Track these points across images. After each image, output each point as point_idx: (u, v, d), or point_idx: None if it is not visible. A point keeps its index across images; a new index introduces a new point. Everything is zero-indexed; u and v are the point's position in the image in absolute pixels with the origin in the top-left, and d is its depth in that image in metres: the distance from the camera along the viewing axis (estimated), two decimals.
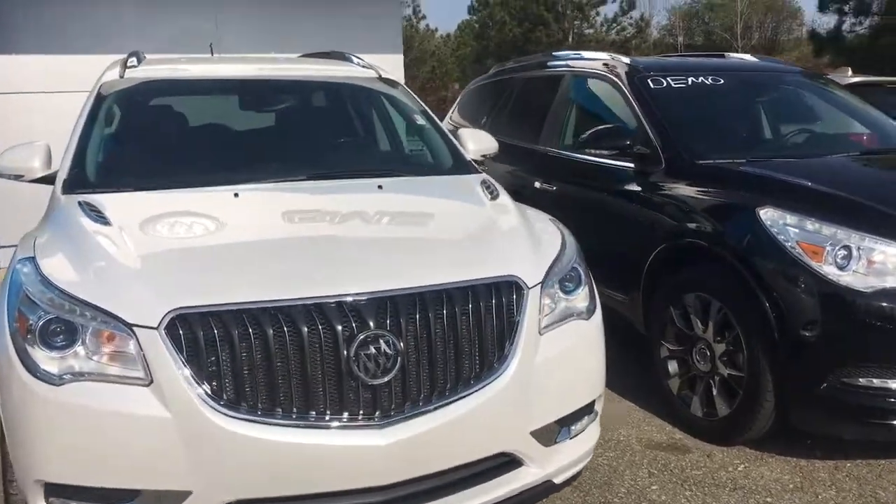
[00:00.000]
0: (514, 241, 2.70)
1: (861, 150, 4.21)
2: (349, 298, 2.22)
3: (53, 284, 2.32)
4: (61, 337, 2.25)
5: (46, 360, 2.22)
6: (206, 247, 2.56)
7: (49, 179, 3.28)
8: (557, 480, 2.58)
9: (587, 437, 2.69)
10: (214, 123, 3.61)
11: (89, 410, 2.15)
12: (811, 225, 3.16)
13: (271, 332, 2.15)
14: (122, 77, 3.60)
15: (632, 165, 4.13)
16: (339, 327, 2.17)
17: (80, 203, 2.79)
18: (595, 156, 4.33)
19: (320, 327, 2.17)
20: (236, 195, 2.87)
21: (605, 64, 4.70)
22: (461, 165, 3.53)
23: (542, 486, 2.52)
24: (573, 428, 2.60)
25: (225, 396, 2.14)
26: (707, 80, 4.44)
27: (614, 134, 4.19)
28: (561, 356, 2.52)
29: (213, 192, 2.94)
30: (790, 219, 3.21)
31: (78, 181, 3.09)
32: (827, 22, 32.08)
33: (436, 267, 2.42)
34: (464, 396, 2.31)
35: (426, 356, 2.26)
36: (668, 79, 4.39)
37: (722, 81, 4.47)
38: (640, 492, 3.13)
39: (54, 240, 2.61)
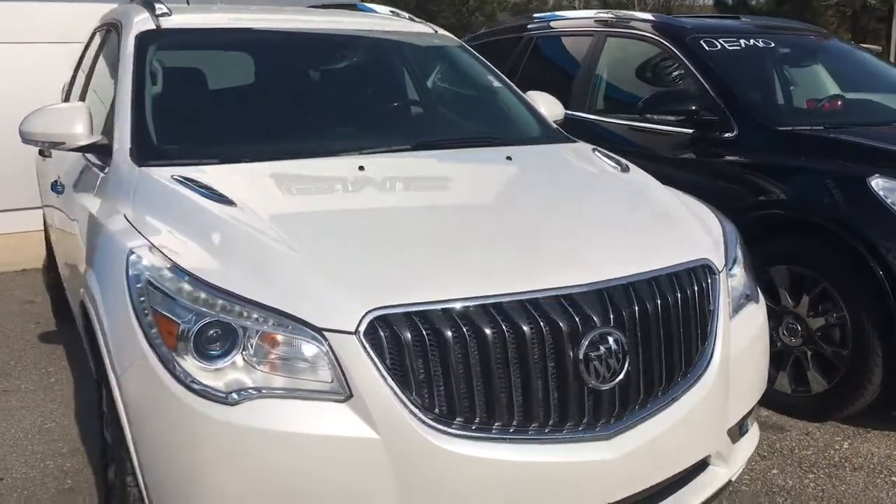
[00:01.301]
0: (688, 220, 2.45)
1: None
2: (569, 291, 1.92)
3: (201, 279, 1.90)
4: (218, 344, 1.85)
5: (203, 372, 1.82)
6: (374, 232, 2.14)
7: (91, 148, 2.77)
8: (734, 479, 2.39)
9: (755, 431, 2.51)
10: (287, 81, 3.13)
11: (275, 434, 1.76)
12: None
13: (490, 332, 1.83)
14: (158, 28, 3.08)
15: (690, 131, 3.94)
16: (563, 325, 1.87)
17: (179, 179, 2.33)
18: (649, 121, 4.11)
19: (542, 325, 1.86)
20: (361, 168, 2.47)
21: (649, 24, 4.46)
22: (551, 132, 3.23)
23: (726, 487, 2.33)
24: (748, 422, 2.42)
25: (437, 410, 1.81)
26: (759, 42, 4.29)
27: (677, 97, 3.99)
28: (748, 345, 2.31)
29: (329, 163, 2.54)
30: None
31: (153, 151, 2.60)
32: None
33: (637, 252, 2.14)
34: (677, 397, 2.06)
35: (644, 354, 2.00)
36: (721, 41, 4.22)
37: (772, 44, 4.34)
38: (763, 477, 3.00)
39: (164, 223, 2.16)
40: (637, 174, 2.78)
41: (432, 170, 2.62)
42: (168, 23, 3.12)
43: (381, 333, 1.79)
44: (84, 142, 2.75)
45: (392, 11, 3.87)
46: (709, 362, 2.14)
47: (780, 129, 3.68)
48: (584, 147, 3.04)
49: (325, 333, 1.79)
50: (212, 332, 1.85)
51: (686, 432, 2.07)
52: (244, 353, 1.83)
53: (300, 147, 2.68)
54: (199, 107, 2.95)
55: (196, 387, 1.80)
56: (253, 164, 2.50)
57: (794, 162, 3.48)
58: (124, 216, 2.29)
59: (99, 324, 2.08)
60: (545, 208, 2.36)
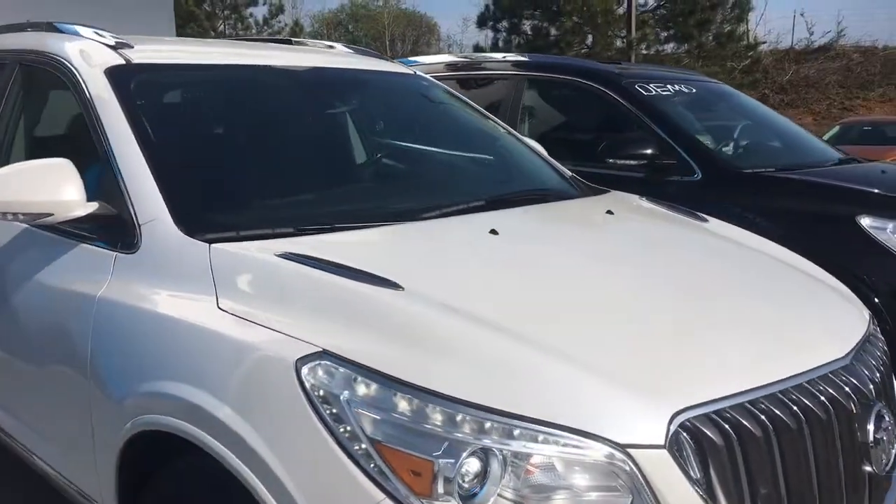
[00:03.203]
0: (828, 278, 2.33)
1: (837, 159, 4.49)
2: (835, 366, 1.71)
3: (441, 394, 1.43)
4: (475, 479, 1.39)
5: None
6: (594, 315, 1.75)
7: (89, 220, 2.06)
8: None
9: None
10: (316, 128, 2.56)
11: None
12: None
13: (792, 424, 1.56)
14: (129, 62, 2.40)
15: (641, 175, 3.95)
16: (849, 405, 1.65)
17: (293, 257, 1.76)
18: (598, 167, 4.06)
19: (832, 410, 1.63)
20: (494, 232, 2.05)
21: (578, 70, 4.45)
22: (578, 182, 3.02)
23: None
24: None
25: None
26: (683, 88, 4.45)
27: (636, 143, 3.97)
28: None
29: (450, 228, 2.10)
30: (892, 225, 3.33)
31: (205, 221, 1.97)
32: (470, 38, 35.33)
33: (847, 316, 2.00)
34: None
35: None
36: (652, 86, 4.31)
37: (694, 90, 4.52)
38: None
39: (310, 319, 1.61)
40: (721, 224, 2.65)
41: (565, 233, 2.28)
42: (138, 56, 2.44)
43: (685, 441, 1.45)
44: (80, 212, 2.03)
45: (349, 46, 3.43)
46: None
47: (745, 171, 3.81)
48: (633, 196, 2.86)
49: (630, 450, 1.41)
50: (468, 463, 1.39)
51: None
52: (510, 485, 1.40)
53: (383, 207, 2.22)
54: (235, 161, 2.32)
55: None
56: (354, 233, 2.00)
57: (774, 204, 3.60)
58: (223, 310, 1.69)
59: (264, 483, 1.48)
60: (723, 275, 2.11)
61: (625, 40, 21.53)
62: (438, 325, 1.59)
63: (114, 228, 2.04)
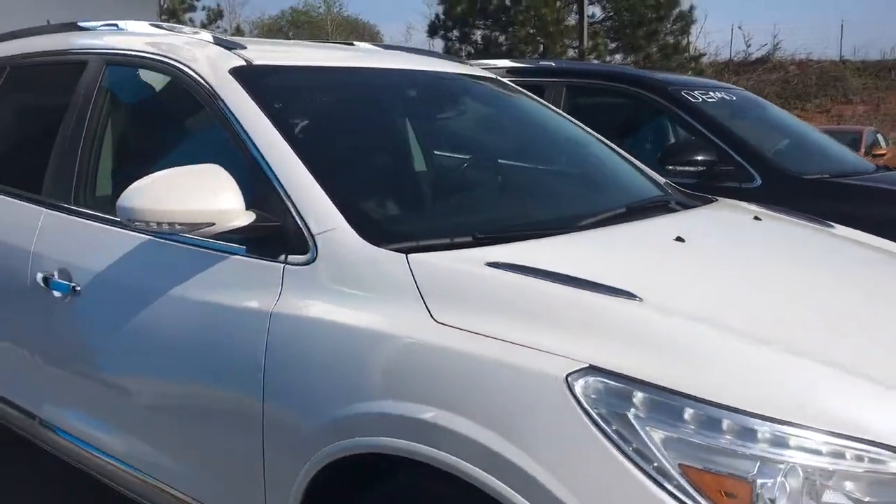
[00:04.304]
0: None
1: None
2: None
3: (738, 409, 1.35)
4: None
5: None
6: (833, 324, 1.71)
7: (248, 231, 1.90)
8: None
9: None
10: (445, 139, 2.45)
11: None
12: None
13: None
14: (250, 64, 2.25)
15: (694, 181, 3.95)
16: None
17: (509, 267, 1.66)
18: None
19: None
20: (680, 239, 1.98)
21: (623, 77, 4.43)
22: (674, 188, 2.98)
23: None
24: None
25: None
26: (725, 95, 4.48)
27: (694, 149, 3.97)
28: None
29: (634, 235, 2.02)
30: None
31: (388, 230, 1.86)
32: (415, 46, 35.31)
33: None
34: None
35: None
36: (697, 93, 4.33)
37: (735, 98, 4.56)
38: None
39: (545, 332, 1.51)
40: (847, 229, 2.64)
41: (741, 239, 2.22)
42: (258, 58, 2.29)
43: None
44: (241, 221, 1.87)
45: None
46: None
47: (805, 177, 3.84)
48: (744, 203, 2.83)
49: None
50: (786, 482, 1.32)
51: None
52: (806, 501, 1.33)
53: (540, 216, 2.13)
54: (393, 167, 2.20)
55: None
56: (536, 242, 1.89)
57: (841, 210, 3.63)
58: (442, 324, 1.58)
59: None
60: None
61: (577, 50, 21.90)
62: (698, 336, 1.51)
63: (276, 239, 1.89)
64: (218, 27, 33.56)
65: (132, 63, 2.49)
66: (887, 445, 1.35)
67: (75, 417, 2.34)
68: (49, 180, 2.49)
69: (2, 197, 2.65)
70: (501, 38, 23.51)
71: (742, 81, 26.75)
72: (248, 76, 2.18)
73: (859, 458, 1.34)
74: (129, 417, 2.18)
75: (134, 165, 2.53)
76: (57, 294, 2.28)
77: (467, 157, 2.56)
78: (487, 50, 23.21)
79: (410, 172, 2.19)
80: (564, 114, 3.16)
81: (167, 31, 2.62)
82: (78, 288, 2.23)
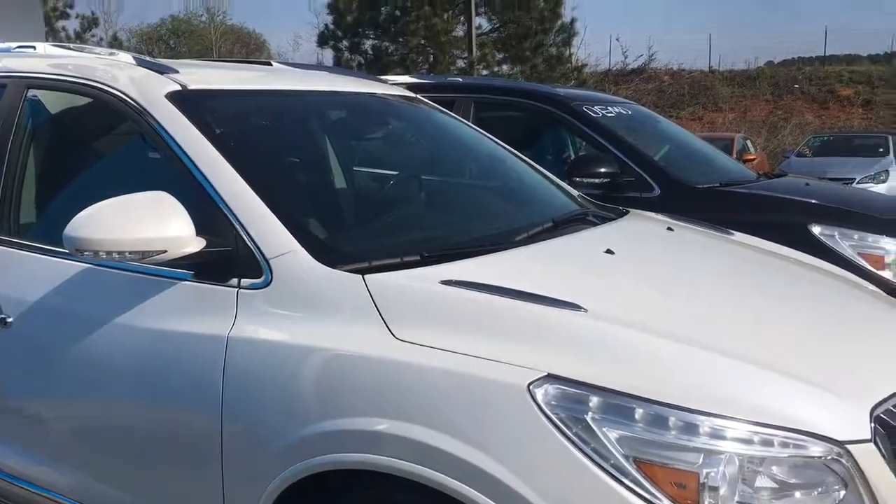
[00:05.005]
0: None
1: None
2: None
3: (681, 406, 1.51)
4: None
5: None
6: (756, 327, 1.88)
7: (199, 255, 1.92)
8: None
9: None
10: (384, 156, 2.51)
11: None
12: (858, 237, 3.76)
13: None
14: (185, 88, 2.26)
15: (598, 192, 4.20)
16: None
17: (461, 285, 1.76)
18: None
19: None
20: (610, 252, 2.14)
21: (529, 93, 4.63)
22: (588, 200, 3.16)
23: None
24: None
25: None
26: (621, 110, 4.76)
27: (600, 162, 4.20)
28: None
29: (566, 248, 2.16)
30: (838, 233, 3.76)
31: (339, 252, 1.92)
32: (303, 56, 35.03)
33: None
34: None
35: None
36: (598, 108, 4.58)
37: (630, 112, 4.84)
38: None
39: (497, 343, 1.63)
40: (746, 236, 2.89)
41: (661, 250, 2.39)
42: (192, 82, 2.30)
43: (881, 434, 1.62)
44: (192, 248, 1.89)
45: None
46: None
47: (699, 187, 4.14)
48: (653, 214, 3.04)
49: (848, 446, 1.56)
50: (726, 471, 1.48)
51: None
52: (742, 489, 1.50)
53: (474, 233, 2.25)
54: (335, 189, 2.25)
55: None
56: (479, 259, 2.00)
57: (735, 216, 3.94)
58: (403, 341, 1.67)
59: None
60: (802, 283, 2.34)
61: (466, 60, 22.32)
62: (642, 342, 1.66)
63: (226, 263, 1.92)
64: (93, 36, 32.13)
65: (55, 87, 2.44)
66: (807, 432, 1.54)
67: (16, 454, 2.27)
68: None
69: None
70: (392, 49, 23.67)
71: (621, 91, 27.96)
72: (185, 101, 2.19)
73: (784, 445, 1.52)
74: (78, 451, 2.15)
75: (62, 192, 2.49)
76: None
77: (403, 176, 2.64)
78: (378, 60, 23.31)
79: (352, 193, 2.26)
80: (482, 130, 3.30)
81: (85, 53, 2.57)
82: (9, 319, 2.17)
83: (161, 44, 44.75)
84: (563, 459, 1.49)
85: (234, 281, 1.90)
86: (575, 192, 3.12)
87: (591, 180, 4.19)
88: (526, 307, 1.72)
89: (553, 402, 1.52)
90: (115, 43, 34.09)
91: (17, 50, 2.71)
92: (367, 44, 23.99)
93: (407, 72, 21.48)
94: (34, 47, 2.69)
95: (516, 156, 3.18)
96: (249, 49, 43.84)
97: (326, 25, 23.99)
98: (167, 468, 1.97)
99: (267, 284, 1.86)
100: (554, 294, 1.77)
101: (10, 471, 2.31)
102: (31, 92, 2.45)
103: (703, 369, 1.62)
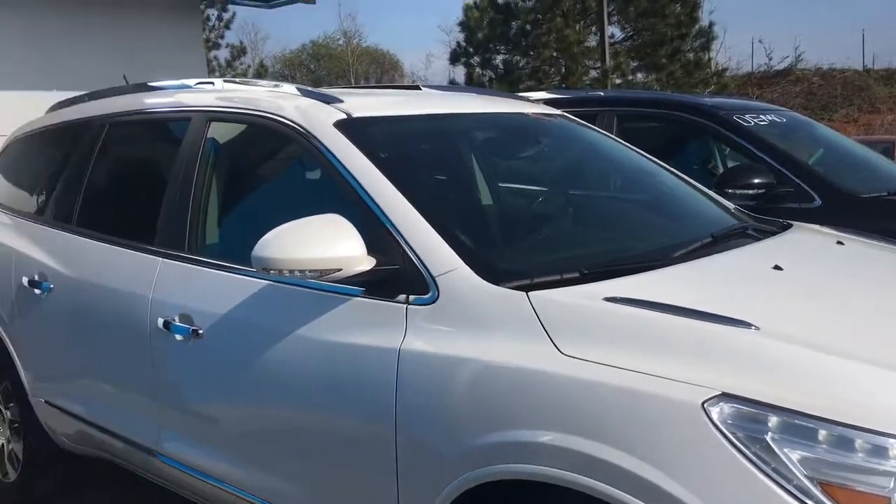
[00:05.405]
0: None
1: None
2: None
3: (866, 428, 1.46)
4: None
5: None
6: None
7: (370, 273, 2.03)
8: None
9: None
10: (535, 173, 2.59)
11: None
12: None
13: None
14: (350, 116, 2.40)
15: (752, 203, 4.05)
16: None
17: (626, 302, 1.79)
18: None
19: None
20: (778, 267, 2.09)
21: (679, 105, 4.56)
22: (747, 214, 3.07)
23: None
24: None
25: None
26: (774, 118, 4.58)
27: (754, 172, 4.07)
28: None
29: (732, 264, 2.14)
30: None
31: (508, 269, 1.99)
32: (434, 74, 35.87)
33: None
34: None
35: None
36: (749, 117, 4.43)
37: (784, 120, 4.66)
38: None
39: (687, 365, 1.62)
40: None
41: (832, 266, 2.33)
42: (356, 110, 2.45)
43: None
44: (364, 266, 2.02)
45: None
46: None
47: (863, 196, 3.93)
48: (819, 227, 2.92)
49: None
50: None
51: None
52: None
53: (633, 249, 2.25)
54: (496, 208, 2.34)
55: None
56: (640, 276, 2.01)
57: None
58: (570, 357, 1.70)
59: None
60: None
61: (599, 70, 22.08)
62: (820, 361, 1.62)
63: (395, 281, 2.03)
64: (242, 64, 34.22)
65: (235, 119, 2.66)
66: None
67: (200, 452, 2.48)
68: (162, 231, 2.65)
69: (117, 248, 2.81)
70: (522, 62, 23.78)
71: (766, 94, 26.73)
72: (351, 128, 2.33)
73: None
74: (258, 451, 2.32)
75: (241, 215, 2.70)
76: (178, 337, 2.44)
77: (555, 192, 2.69)
78: (509, 74, 23.50)
79: (507, 212, 2.33)
80: (629, 144, 3.29)
81: (255, 87, 2.78)
82: (200, 331, 2.38)
83: (302, 68, 47.02)
84: (742, 479, 1.47)
85: (403, 297, 2.00)
86: (730, 205, 3.05)
87: (745, 192, 4.06)
88: (694, 325, 1.71)
89: (729, 421, 1.51)
90: (262, 69, 36.21)
91: (198, 86, 2.98)
92: (498, 59, 24.23)
93: (539, 84, 21.53)
94: (213, 83, 2.94)
95: (666, 168, 3.14)
96: (384, 69, 45.30)
97: (458, 43, 24.45)
98: (342, 470, 2.10)
99: (434, 301, 1.95)
100: (722, 311, 1.75)
101: (193, 465, 2.52)
102: (215, 124, 2.68)
103: (885, 391, 1.56)
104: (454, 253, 1.99)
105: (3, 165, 3.77)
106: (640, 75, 23.42)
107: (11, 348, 3.24)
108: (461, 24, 23.87)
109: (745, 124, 4.31)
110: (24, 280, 3.08)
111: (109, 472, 3.28)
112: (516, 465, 1.72)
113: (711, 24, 22.91)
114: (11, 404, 3.37)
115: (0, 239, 3.37)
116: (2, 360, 3.31)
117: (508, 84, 22.73)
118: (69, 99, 3.54)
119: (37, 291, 3.03)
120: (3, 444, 3.47)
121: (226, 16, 26.67)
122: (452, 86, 3.59)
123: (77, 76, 6.04)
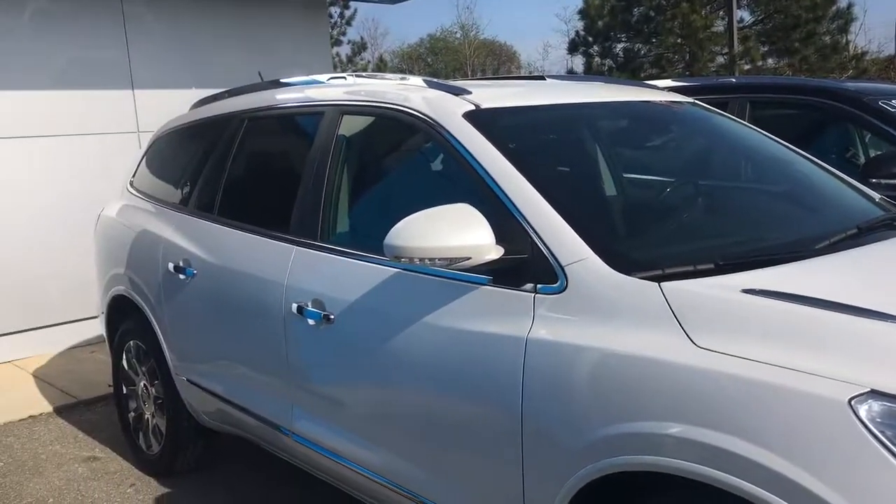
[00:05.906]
0: None
1: None
2: None
3: None
4: None
5: None
6: None
7: (497, 262, 2.05)
8: None
9: None
10: (664, 162, 2.56)
11: None
12: None
13: None
14: (478, 108, 2.42)
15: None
16: None
17: (766, 294, 1.72)
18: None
19: None
20: None
21: (817, 90, 4.32)
22: (885, 201, 2.88)
23: None
24: None
25: None
26: None
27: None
28: None
29: (875, 258, 2.03)
30: None
31: (638, 258, 1.96)
32: (551, 64, 35.43)
33: None
34: None
35: None
36: (894, 102, 4.15)
37: None
38: None
39: (830, 359, 1.54)
40: None
41: None
42: (484, 102, 2.46)
43: None
44: (493, 255, 2.03)
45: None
46: None
47: None
48: None
49: None
50: None
51: None
52: None
53: (771, 240, 2.16)
54: (625, 197, 2.32)
55: None
56: (779, 268, 1.93)
57: None
58: (706, 349, 1.65)
59: None
60: None
61: (726, 56, 21.22)
62: None
63: (521, 269, 2.03)
64: (362, 59, 35.05)
65: (366, 112, 2.74)
66: None
67: (328, 432, 2.58)
68: (296, 220, 2.77)
69: (254, 236, 2.96)
70: (644, 50, 23.17)
71: None
72: (480, 119, 2.35)
73: None
74: (385, 433, 2.39)
75: (371, 204, 2.78)
76: (311, 322, 2.54)
77: (685, 182, 2.61)
78: (630, 62, 22.95)
79: (636, 201, 2.28)
80: (764, 132, 3.15)
81: (383, 80, 2.85)
82: (332, 316, 2.48)
83: (420, 62, 47.68)
84: (891, 479, 1.39)
85: (530, 286, 2.01)
86: (875, 195, 2.86)
87: (891, 181, 3.81)
88: (840, 318, 1.62)
89: (878, 419, 1.43)
90: (381, 64, 36.98)
91: (330, 81, 3.09)
92: (619, 47, 23.71)
93: (661, 72, 20.91)
94: (344, 77, 3.04)
95: (804, 156, 2.99)
96: (500, 60, 45.28)
97: (577, 32, 24.11)
98: (466, 455, 2.13)
99: (562, 290, 1.95)
100: (869, 305, 1.65)
101: (322, 444, 2.63)
102: (347, 117, 2.77)
103: None
104: (583, 242, 1.97)
105: (150, 159, 4.04)
106: (770, 60, 22.33)
107: (158, 330, 3.47)
108: (581, 12, 23.54)
109: (892, 110, 4.04)
110: (171, 266, 3.29)
111: (243, 448, 3.46)
112: (643, 456, 1.69)
113: (850, 5, 21.53)
114: (157, 382, 3.60)
115: (149, 228, 3.61)
116: (149, 341, 3.56)
117: (630, 73, 22.21)
118: (210, 96, 3.75)
119: (181, 277, 3.24)
120: (148, 419, 3.73)
121: (348, 12, 27.46)
122: (577, 75, 3.57)
123: (212, 72, 6.39)
